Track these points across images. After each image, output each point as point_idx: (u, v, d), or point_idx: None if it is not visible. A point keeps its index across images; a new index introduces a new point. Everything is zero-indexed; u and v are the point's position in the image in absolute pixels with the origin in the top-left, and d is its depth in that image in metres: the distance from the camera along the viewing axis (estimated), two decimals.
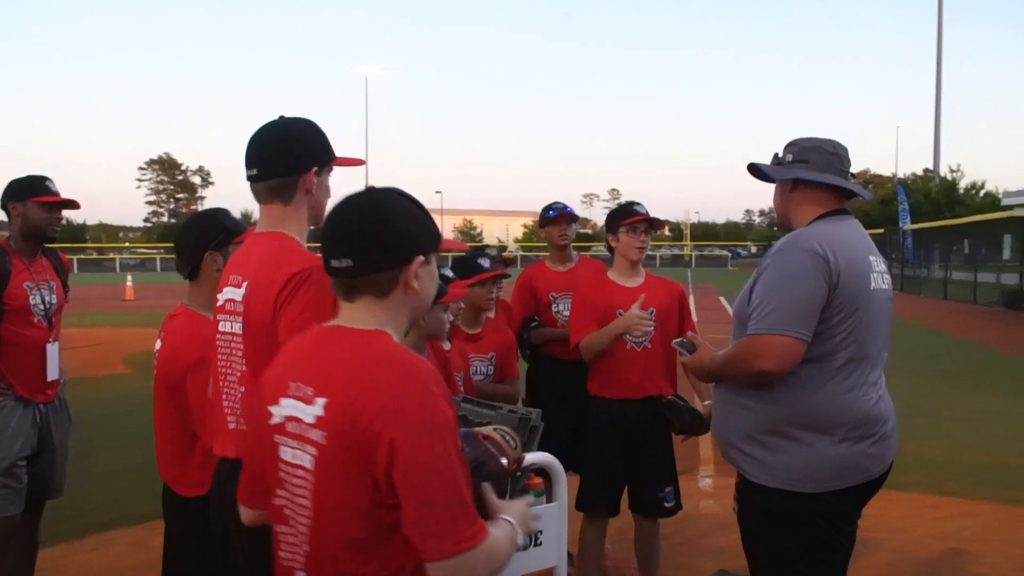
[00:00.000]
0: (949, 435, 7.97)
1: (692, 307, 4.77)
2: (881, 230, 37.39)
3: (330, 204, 1.88)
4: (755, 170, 2.82)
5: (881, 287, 2.63)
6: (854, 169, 2.82)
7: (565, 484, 2.63)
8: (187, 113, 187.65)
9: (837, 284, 2.48)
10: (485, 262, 3.92)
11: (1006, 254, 26.24)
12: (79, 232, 72.31)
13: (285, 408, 1.66)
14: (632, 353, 3.89)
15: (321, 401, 1.59)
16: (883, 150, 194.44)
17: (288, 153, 2.20)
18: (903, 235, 34.93)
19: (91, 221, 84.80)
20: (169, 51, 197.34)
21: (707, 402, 3.93)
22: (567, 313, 4.34)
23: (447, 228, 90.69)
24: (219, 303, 2.28)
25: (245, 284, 2.17)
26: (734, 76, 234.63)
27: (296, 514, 1.66)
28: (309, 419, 1.60)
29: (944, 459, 7.05)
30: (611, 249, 4.06)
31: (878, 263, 2.65)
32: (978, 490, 6.22)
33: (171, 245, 3.25)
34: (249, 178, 2.23)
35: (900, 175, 57.49)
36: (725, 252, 73.39)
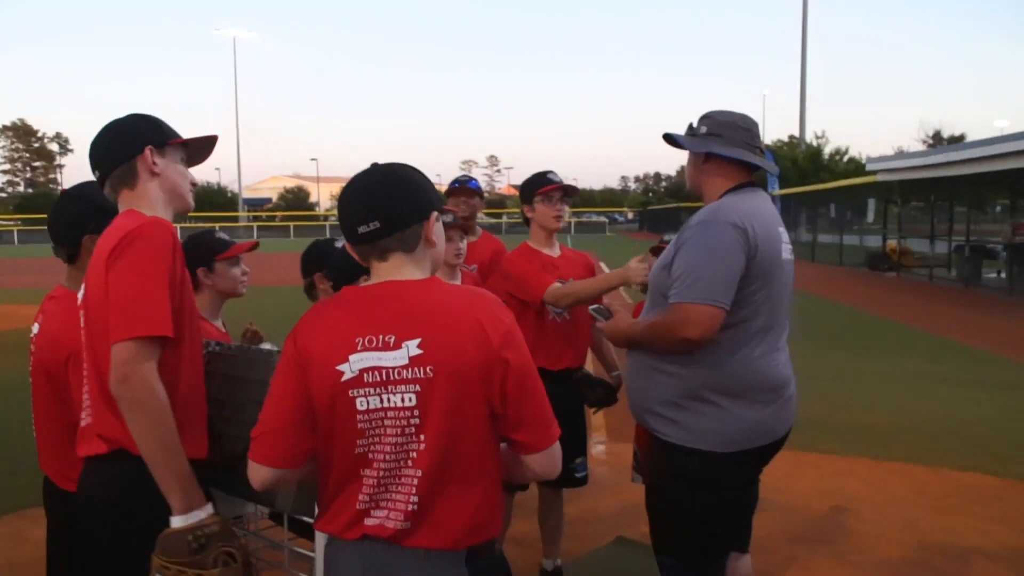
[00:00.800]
0: (824, 395, 8.27)
1: None
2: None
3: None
4: (671, 140, 2.88)
5: (788, 258, 2.80)
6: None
7: None
8: (41, 77, 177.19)
9: (755, 255, 2.60)
10: (446, 217, 3.79)
11: (870, 217, 27.62)
12: None
13: (357, 362, 1.79)
14: (554, 324, 3.86)
15: (413, 343, 1.77)
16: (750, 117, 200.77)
17: (117, 143, 2.23)
18: (772, 200, 36.16)
19: None
20: (20, 9, 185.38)
21: (615, 372, 4.01)
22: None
23: (324, 195, 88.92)
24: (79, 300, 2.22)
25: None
26: (607, 42, 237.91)
27: (388, 455, 1.80)
28: (400, 362, 1.77)
29: (821, 419, 7.30)
30: (527, 221, 3.98)
31: (784, 235, 2.79)
32: (856, 447, 6.50)
33: (30, 217, 2.98)
34: (96, 181, 2.27)
35: (768, 142, 59.57)
36: (603, 218, 74.66)
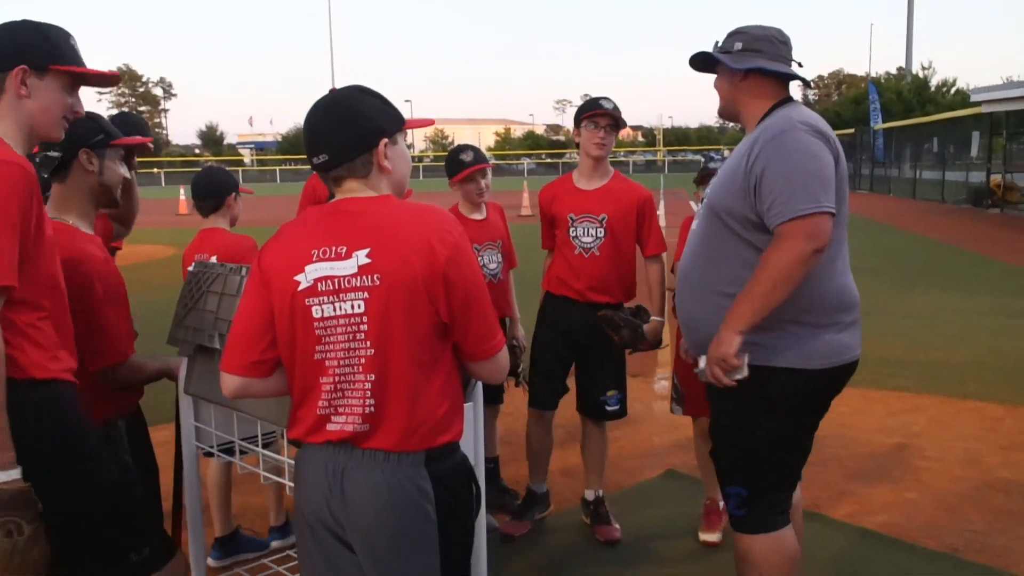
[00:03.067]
0: (905, 333, 8.01)
1: (662, 212, 4.57)
2: (852, 130, 37.23)
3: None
4: (704, 59, 2.74)
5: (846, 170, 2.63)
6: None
7: (479, 386, 2.48)
8: (144, 23, 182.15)
9: (837, 163, 2.49)
10: (467, 156, 3.93)
11: (974, 151, 26.25)
12: None
13: (312, 272, 1.88)
14: (580, 258, 3.84)
15: (362, 252, 1.86)
16: (856, 49, 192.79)
17: None
18: (873, 135, 34.78)
19: None
20: None
21: (655, 318, 3.87)
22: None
23: (418, 137, 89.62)
24: None
25: None
26: None
27: (341, 360, 1.89)
28: (349, 271, 1.86)
29: (898, 357, 7.08)
30: (578, 146, 3.94)
31: None
32: (929, 386, 6.27)
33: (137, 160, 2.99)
34: None
35: (873, 74, 56.95)
36: (698, 157, 73.00)
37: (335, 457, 1.92)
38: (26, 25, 2.10)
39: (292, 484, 2.05)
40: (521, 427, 4.24)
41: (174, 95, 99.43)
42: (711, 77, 2.77)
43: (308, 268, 1.89)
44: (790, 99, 2.69)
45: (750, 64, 2.63)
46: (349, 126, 1.93)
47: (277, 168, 64.02)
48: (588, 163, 3.90)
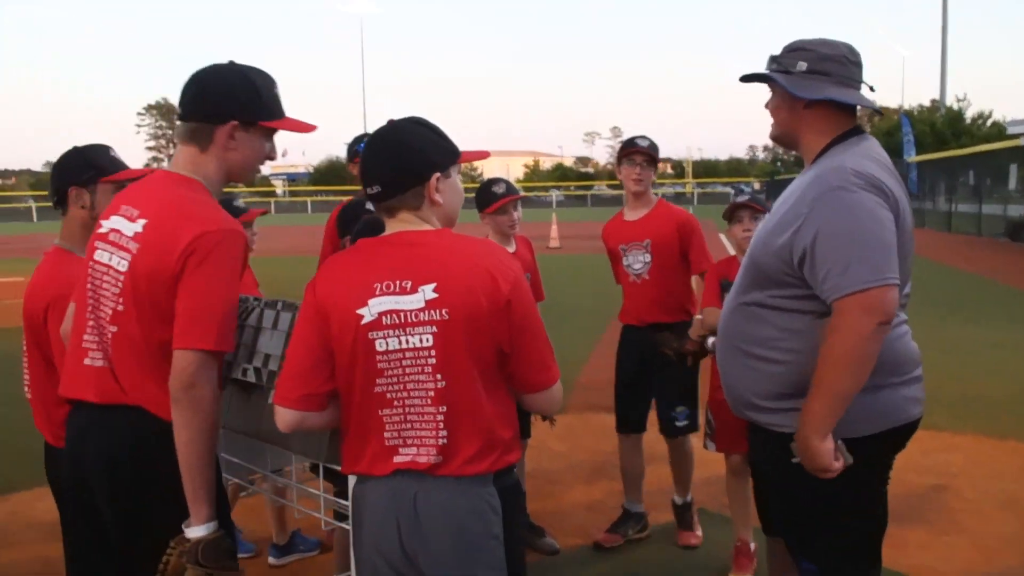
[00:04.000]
0: (938, 367, 7.85)
1: None
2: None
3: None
4: (760, 79, 2.42)
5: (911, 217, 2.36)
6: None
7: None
8: (182, 57, 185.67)
9: (896, 217, 2.21)
10: (499, 188, 4.01)
11: (1012, 184, 25.92)
12: None
13: (376, 306, 1.90)
14: (633, 285, 4.18)
15: (428, 287, 1.89)
16: (889, 81, 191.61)
17: (209, 100, 2.12)
18: (907, 167, 34.50)
19: None
20: None
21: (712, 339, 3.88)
22: None
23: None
24: (101, 229, 2.15)
25: (142, 222, 2.06)
26: (735, 7, 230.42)
27: (410, 393, 1.91)
28: (416, 305, 1.89)
29: (930, 391, 6.77)
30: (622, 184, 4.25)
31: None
32: (964, 422, 6.17)
33: None
34: (177, 117, 2.20)
35: (906, 107, 56.62)
36: (728, 189, 72.73)
37: (405, 485, 1.94)
38: (240, 76, 2.14)
39: (292, 504, 2.12)
40: (546, 462, 4.22)
41: None
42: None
43: (372, 302, 1.91)
44: (856, 130, 2.37)
45: (818, 95, 2.29)
46: (401, 159, 1.98)
47: (308, 199, 64.71)
48: (630, 197, 4.23)
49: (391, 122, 2.05)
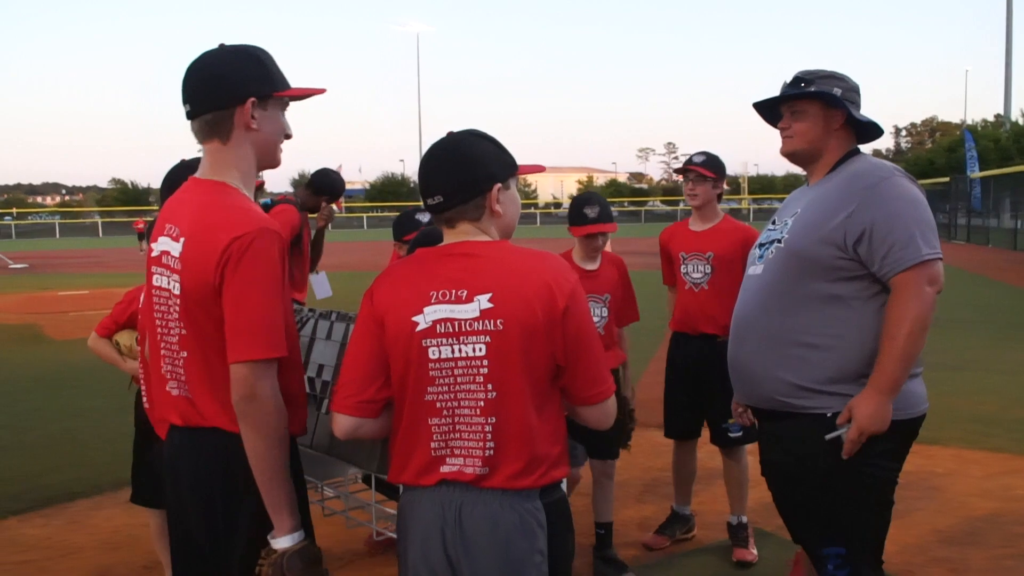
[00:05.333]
0: (1000, 390, 7.69)
1: None
2: (947, 179, 36.17)
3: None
4: (829, 98, 2.62)
5: None
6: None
7: None
8: None
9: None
10: (591, 211, 3.85)
11: None
12: (144, 195, 73.75)
13: (431, 314, 1.91)
14: (689, 293, 4.23)
15: (484, 297, 1.89)
16: (951, 96, 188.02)
17: (220, 84, 2.02)
18: (970, 183, 33.73)
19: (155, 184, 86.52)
20: (216, 14, 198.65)
21: None
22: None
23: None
24: (154, 253, 2.11)
25: (182, 240, 2.01)
26: (793, 21, 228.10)
27: (458, 402, 1.91)
28: (471, 314, 1.89)
29: (993, 414, 6.79)
30: None
31: None
32: None
33: None
34: (186, 115, 2.07)
35: (969, 121, 55.37)
36: None
37: (451, 495, 1.94)
38: (241, 54, 2.06)
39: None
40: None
41: None
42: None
43: (427, 309, 1.92)
44: (858, 150, 2.69)
45: (866, 118, 2.61)
46: (464, 170, 1.98)
47: (364, 215, 65.48)
48: (694, 210, 4.33)
49: (451, 134, 2.05)
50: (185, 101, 2.05)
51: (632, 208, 67.62)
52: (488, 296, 1.90)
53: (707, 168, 4.19)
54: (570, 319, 1.91)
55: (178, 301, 2.01)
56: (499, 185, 2.01)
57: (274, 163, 2.15)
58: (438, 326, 1.91)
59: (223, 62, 2.03)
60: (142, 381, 2.63)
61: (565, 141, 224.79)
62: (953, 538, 4.43)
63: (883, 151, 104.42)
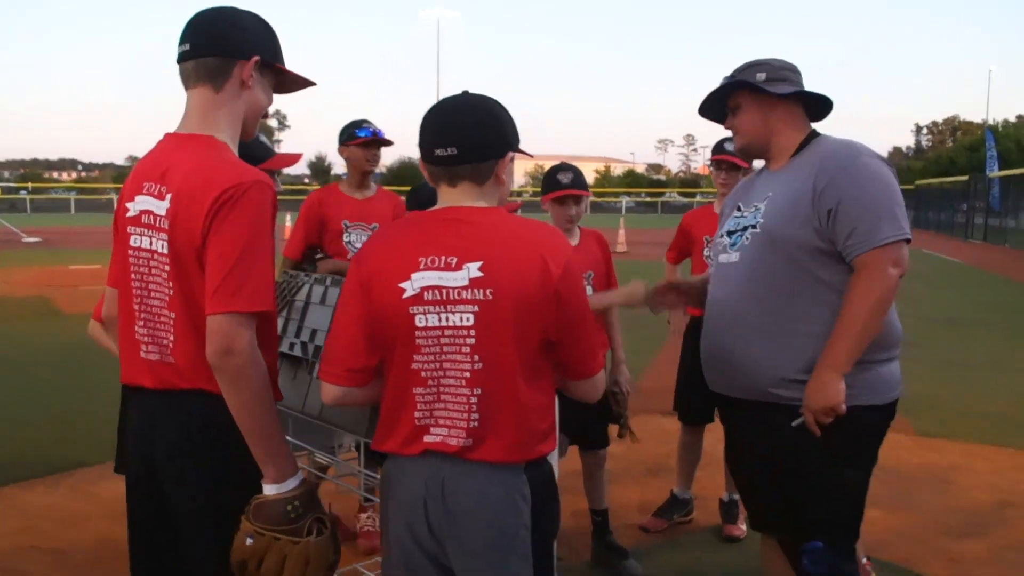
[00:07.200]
0: (1014, 388, 7.61)
1: None
2: (966, 177, 35.84)
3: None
4: (719, 96, 2.64)
5: None
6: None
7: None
8: None
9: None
10: (564, 177, 3.74)
11: None
12: None
13: (419, 280, 1.85)
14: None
15: (474, 265, 1.83)
16: (974, 95, 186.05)
17: (229, 33, 1.98)
18: (989, 183, 33.39)
19: None
20: None
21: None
22: (359, 245, 3.98)
23: (518, 173, 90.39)
24: (130, 213, 1.99)
25: (169, 197, 1.91)
26: (814, 16, 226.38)
27: (444, 371, 1.87)
28: (460, 282, 1.83)
29: (1005, 412, 6.73)
30: None
31: None
32: None
33: None
34: (180, 56, 2.00)
35: (991, 121, 54.81)
36: None
37: (435, 466, 1.90)
38: (256, 17, 2.05)
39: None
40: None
41: (288, 127, 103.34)
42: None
43: (415, 276, 1.86)
44: (817, 132, 2.60)
45: (788, 90, 2.52)
46: (487, 129, 1.92)
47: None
48: (720, 197, 4.24)
49: (468, 93, 1.97)
50: (185, 41, 1.99)
51: (649, 199, 67.34)
52: (478, 264, 1.83)
53: (741, 157, 4.04)
54: (563, 293, 1.86)
55: (166, 261, 1.93)
56: (512, 154, 1.97)
57: (250, 132, 2.10)
58: (426, 293, 1.85)
59: (240, 16, 2.02)
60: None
61: (584, 131, 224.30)
62: (956, 530, 4.38)
63: (903, 148, 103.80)
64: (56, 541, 4.14)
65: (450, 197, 1.95)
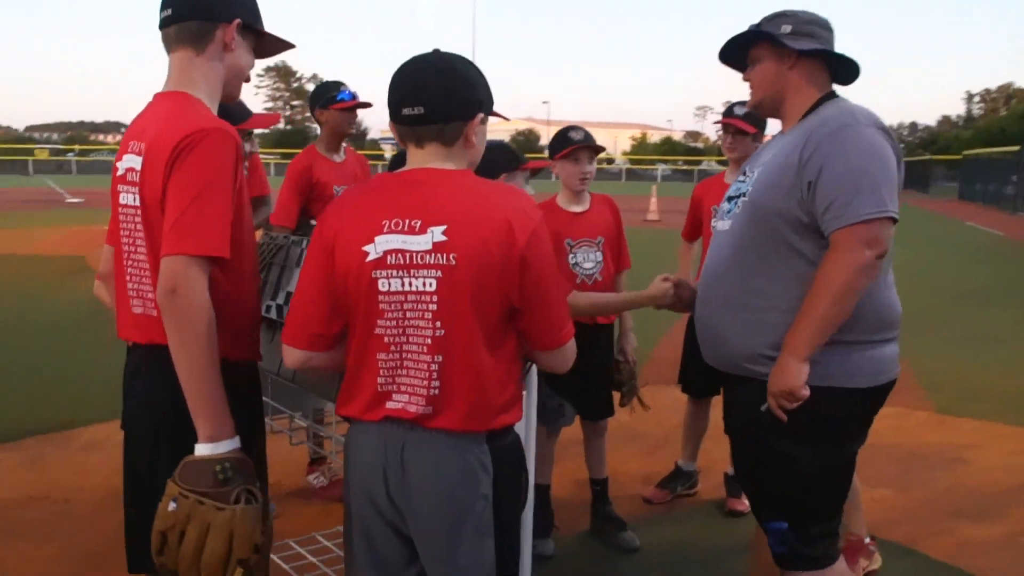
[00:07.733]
0: None
1: None
2: (1016, 148, 34.85)
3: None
4: (741, 44, 2.47)
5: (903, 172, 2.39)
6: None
7: (533, 372, 2.43)
8: (301, 23, 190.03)
9: (899, 163, 2.27)
10: (576, 134, 3.60)
11: None
12: None
13: (382, 244, 1.80)
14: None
15: (438, 229, 1.78)
16: None
17: None
18: None
19: None
20: None
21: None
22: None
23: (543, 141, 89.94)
24: (119, 172, 2.03)
25: (143, 152, 1.95)
26: None
27: (407, 337, 1.83)
28: (423, 247, 1.78)
29: None
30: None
31: None
32: None
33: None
34: (162, 22, 2.02)
35: None
36: None
37: (395, 433, 1.88)
38: None
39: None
40: (608, 431, 4.08)
41: None
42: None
43: (378, 239, 1.82)
44: (835, 94, 2.43)
45: (808, 46, 2.35)
46: (456, 88, 1.86)
47: None
48: (731, 163, 4.16)
49: (439, 51, 1.92)
50: (166, 6, 2.01)
51: (686, 167, 66.54)
52: (442, 229, 1.79)
53: (747, 122, 3.93)
54: (529, 260, 1.80)
55: (139, 214, 1.96)
56: (481, 115, 1.91)
57: (234, 94, 2.13)
58: (389, 257, 1.81)
59: None
60: None
61: (622, 96, 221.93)
62: (966, 512, 4.28)
63: (952, 117, 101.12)
64: (66, 492, 4.26)
65: (417, 158, 1.91)
